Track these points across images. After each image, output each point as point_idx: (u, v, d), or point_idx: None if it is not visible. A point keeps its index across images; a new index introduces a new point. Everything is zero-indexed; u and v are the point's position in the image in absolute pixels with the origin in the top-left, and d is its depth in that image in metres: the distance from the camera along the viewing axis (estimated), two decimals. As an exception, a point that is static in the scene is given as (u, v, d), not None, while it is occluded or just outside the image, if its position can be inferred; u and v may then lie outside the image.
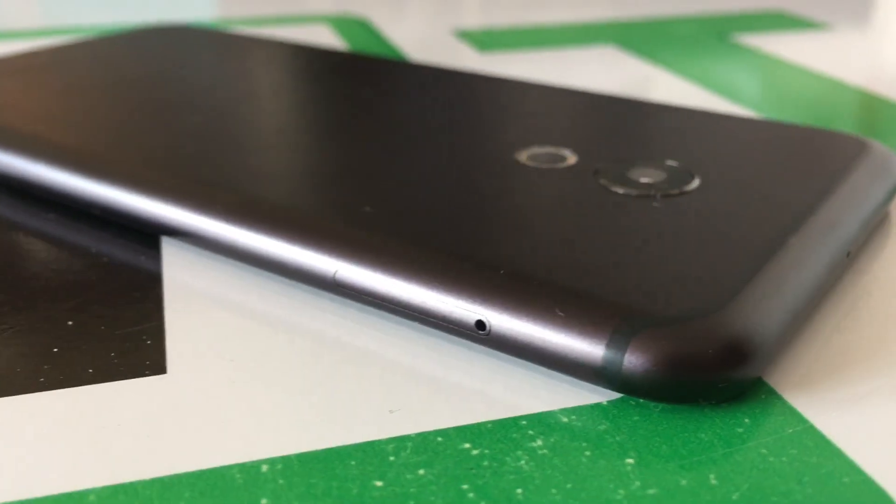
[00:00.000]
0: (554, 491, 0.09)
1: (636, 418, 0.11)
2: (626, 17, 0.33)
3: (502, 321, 0.11)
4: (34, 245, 0.15)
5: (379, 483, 0.10)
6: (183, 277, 0.14)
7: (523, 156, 0.16)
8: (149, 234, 0.15)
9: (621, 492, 0.09)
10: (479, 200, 0.14)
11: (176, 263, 0.14)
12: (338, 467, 0.10)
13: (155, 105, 0.19)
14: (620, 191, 0.14)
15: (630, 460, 0.10)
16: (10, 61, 0.22)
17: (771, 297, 0.11)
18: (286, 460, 0.10)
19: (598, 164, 0.15)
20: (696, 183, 0.15)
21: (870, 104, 0.23)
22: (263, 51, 0.23)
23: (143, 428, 0.11)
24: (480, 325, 0.12)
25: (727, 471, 0.10)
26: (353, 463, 0.10)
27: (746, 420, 0.11)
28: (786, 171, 0.15)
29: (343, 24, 0.33)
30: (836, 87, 0.24)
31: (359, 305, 0.13)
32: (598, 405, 0.11)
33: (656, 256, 0.12)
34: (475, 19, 0.34)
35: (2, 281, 0.14)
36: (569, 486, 0.10)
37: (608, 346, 0.11)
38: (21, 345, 0.12)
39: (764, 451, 0.10)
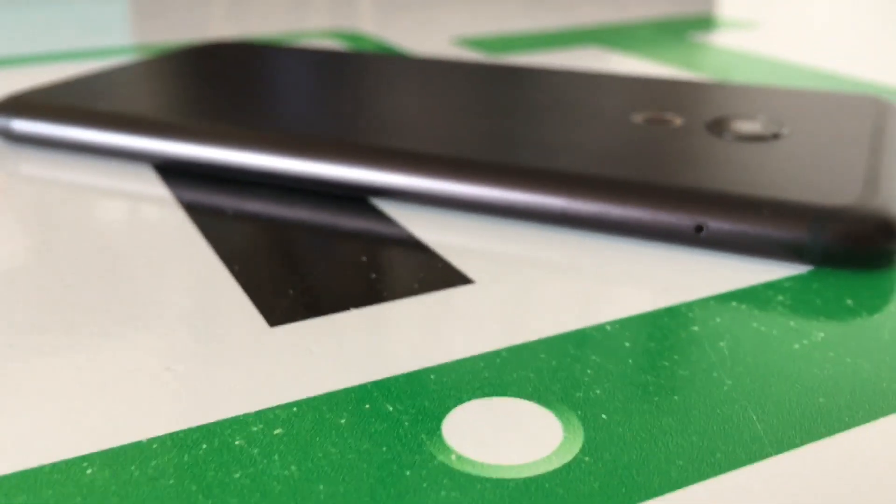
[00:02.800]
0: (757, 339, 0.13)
1: (815, 285, 0.15)
2: (598, 23, 0.38)
3: (718, 223, 0.15)
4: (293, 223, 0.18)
5: (695, 328, 0.13)
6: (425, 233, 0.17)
7: (639, 118, 0.20)
8: (357, 197, 0.18)
9: (820, 334, 0.14)
10: (653, 145, 0.18)
11: (407, 217, 0.17)
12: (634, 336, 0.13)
13: (307, 96, 0.22)
14: (737, 136, 0.19)
15: (816, 320, 0.14)
16: (110, 75, 0.24)
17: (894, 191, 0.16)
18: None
19: (704, 121, 0.20)
20: (787, 129, 0.19)
21: (790, 71, 0.29)
22: (355, 57, 0.26)
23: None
24: (699, 228, 0.15)
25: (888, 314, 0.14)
26: (668, 319, 0.14)
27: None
28: (840, 116, 0.20)
29: (348, 38, 0.36)
30: (764, 63, 0.30)
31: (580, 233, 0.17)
32: (785, 279, 0.15)
33: (801, 173, 0.16)
34: (469, 28, 0.38)
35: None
36: (774, 332, 0.14)
37: (809, 229, 0.15)
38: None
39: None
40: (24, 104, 0.21)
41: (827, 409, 0.11)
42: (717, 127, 0.19)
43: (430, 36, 0.36)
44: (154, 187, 0.19)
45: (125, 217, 0.18)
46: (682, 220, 0.16)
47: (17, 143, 0.22)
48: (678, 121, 0.20)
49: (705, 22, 0.39)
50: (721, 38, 0.35)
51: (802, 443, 0.11)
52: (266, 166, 0.18)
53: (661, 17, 0.40)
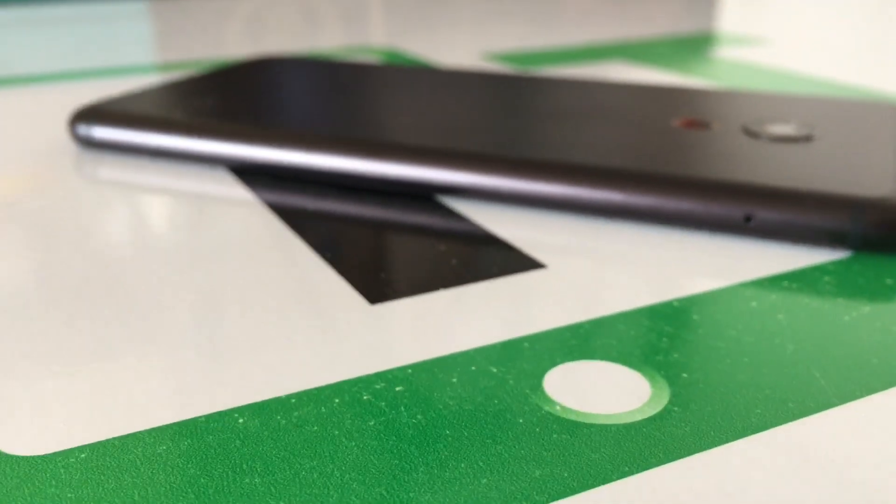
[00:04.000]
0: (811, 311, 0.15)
1: (856, 267, 0.16)
2: (618, 39, 0.40)
3: (766, 213, 0.17)
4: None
5: (754, 304, 0.15)
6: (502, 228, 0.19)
7: (678, 123, 0.22)
8: (425, 195, 0.20)
9: (853, 313, 0.15)
10: (697, 146, 0.20)
11: (479, 213, 0.19)
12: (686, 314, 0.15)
13: (366, 105, 0.23)
14: (772, 138, 0.20)
15: (861, 297, 0.16)
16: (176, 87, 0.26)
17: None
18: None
19: (740, 125, 0.21)
20: (818, 131, 0.21)
21: (801, 82, 0.30)
22: (402, 70, 0.28)
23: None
24: (748, 218, 0.17)
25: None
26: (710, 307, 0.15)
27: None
28: (864, 121, 0.21)
29: (385, 54, 0.38)
30: (778, 75, 0.31)
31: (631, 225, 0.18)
32: (828, 263, 0.17)
33: (837, 169, 0.18)
34: (492, 45, 0.40)
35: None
36: (824, 306, 0.15)
37: (851, 218, 0.16)
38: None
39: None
40: (104, 113, 0.23)
41: (881, 367, 0.13)
42: (752, 130, 0.21)
43: (459, 52, 0.38)
44: (235, 189, 0.21)
45: (215, 215, 0.19)
46: (732, 210, 0.17)
47: (96, 150, 0.23)
48: (715, 125, 0.21)
49: (716, 38, 0.40)
50: (735, 53, 0.37)
51: (862, 395, 0.12)
52: (340, 168, 0.20)
53: (674, 34, 0.42)
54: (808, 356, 0.13)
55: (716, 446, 0.11)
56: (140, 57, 0.38)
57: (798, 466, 0.11)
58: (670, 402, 0.12)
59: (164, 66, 0.35)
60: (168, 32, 0.44)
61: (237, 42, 0.41)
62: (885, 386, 0.12)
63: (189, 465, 0.11)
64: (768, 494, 0.10)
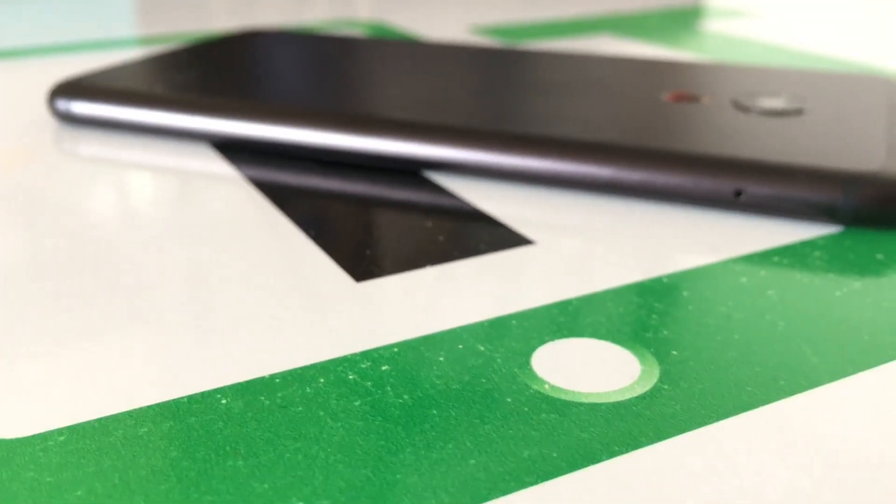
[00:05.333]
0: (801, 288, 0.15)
1: (847, 242, 0.16)
2: (605, 12, 0.40)
3: (756, 188, 0.17)
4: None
5: (744, 280, 0.15)
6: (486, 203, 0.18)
7: (668, 96, 0.21)
8: (411, 171, 0.19)
9: (844, 289, 0.15)
10: (687, 120, 0.19)
11: (467, 188, 0.19)
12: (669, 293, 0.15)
13: (352, 78, 0.23)
14: (763, 112, 0.20)
15: (852, 272, 0.15)
16: (164, 58, 0.25)
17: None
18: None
19: (730, 99, 0.21)
20: (808, 105, 0.21)
21: (789, 55, 0.30)
22: (390, 43, 0.27)
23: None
24: (738, 193, 0.17)
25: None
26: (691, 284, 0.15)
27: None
28: (854, 94, 0.21)
29: (372, 28, 0.37)
30: (765, 48, 0.31)
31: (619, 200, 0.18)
32: (819, 238, 0.16)
33: (828, 143, 0.18)
34: (479, 18, 0.39)
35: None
36: (814, 282, 0.15)
37: (843, 192, 0.16)
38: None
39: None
40: (83, 87, 0.22)
41: (871, 344, 0.13)
42: (743, 104, 0.21)
43: (446, 25, 0.37)
44: (218, 164, 0.20)
45: (198, 192, 0.19)
46: (722, 185, 0.17)
47: (76, 125, 0.23)
48: (705, 99, 0.21)
49: (704, 11, 0.40)
50: (724, 26, 0.37)
51: (853, 372, 0.12)
52: (326, 143, 0.20)
53: (662, 7, 0.41)
54: (798, 333, 0.13)
55: (706, 424, 0.11)
56: (123, 30, 0.37)
57: (789, 444, 0.11)
58: (660, 379, 0.12)
59: (148, 40, 0.35)
60: (152, 5, 0.43)
61: (222, 16, 0.40)
62: (876, 362, 0.12)
63: (171, 448, 0.11)
64: (759, 473, 0.10)
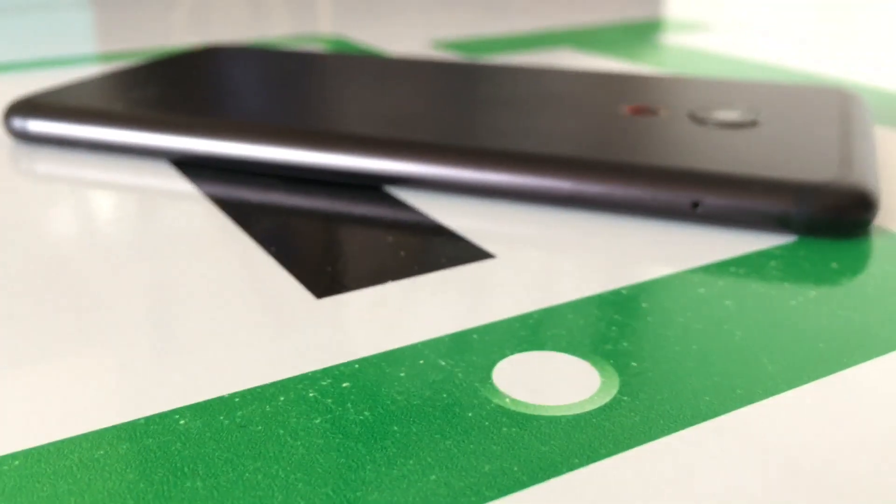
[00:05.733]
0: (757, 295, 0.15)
1: (802, 252, 0.17)
2: (570, 25, 0.40)
3: (713, 199, 0.17)
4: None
5: (702, 290, 0.15)
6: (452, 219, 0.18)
7: (626, 110, 0.21)
8: (373, 186, 0.19)
9: (802, 298, 0.15)
10: (644, 133, 0.20)
11: (430, 204, 0.19)
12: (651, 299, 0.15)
13: (312, 94, 0.23)
14: (718, 124, 0.20)
15: (807, 281, 0.16)
16: (120, 76, 0.25)
17: (866, 167, 0.18)
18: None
19: (686, 111, 0.21)
20: (763, 116, 0.21)
21: (745, 66, 0.31)
22: (350, 58, 0.27)
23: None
24: (695, 204, 0.17)
25: (877, 276, 0.16)
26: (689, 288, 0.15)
27: (874, 242, 0.17)
28: (808, 105, 0.22)
29: (333, 43, 0.37)
30: (723, 60, 0.32)
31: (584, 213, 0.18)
32: (775, 248, 0.17)
33: (782, 154, 0.18)
34: (445, 32, 0.39)
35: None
36: (770, 291, 0.15)
37: (796, 203, 0.16)
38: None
39: (888, 264, 0.16)
40: (40, 105, 0.22)
41: (827, 352, 0.13)
42: (699, 116, 0.21)
43: (408, 40, 0.38)
44: (177, 182, 0.20)
45: (157, 210, 0.19)
46: (679, 197, 0.17)
47: (32, 144, 0.23)
48: (662, 112, 0.21)
49: (663, 25, 0.41)
50: (682, 39, 0.37)
51: (809, 380, 0.12)
52: (287, 159, 0.19)
53: (621, 21, 0.42)
54: (755, 342, 0.13)
55: (665, 435, 0.11)
56: (80, 47, 0.37)
57: (746, 453, 0.11)
58: (619, 391, 0.12)
59: (107, 57, 0.35)
60: (110, 22, 0.43)
61: (182, 32, 0.40)
62: (831, 370, 0.13)
63: (128, 470, 0.11)
64: (717, 482, 0.10)
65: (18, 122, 0.22)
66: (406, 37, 0.38)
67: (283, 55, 0.28)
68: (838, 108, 0.22)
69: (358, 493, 0.10)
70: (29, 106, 0.22)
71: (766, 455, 0.11)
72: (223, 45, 0.29)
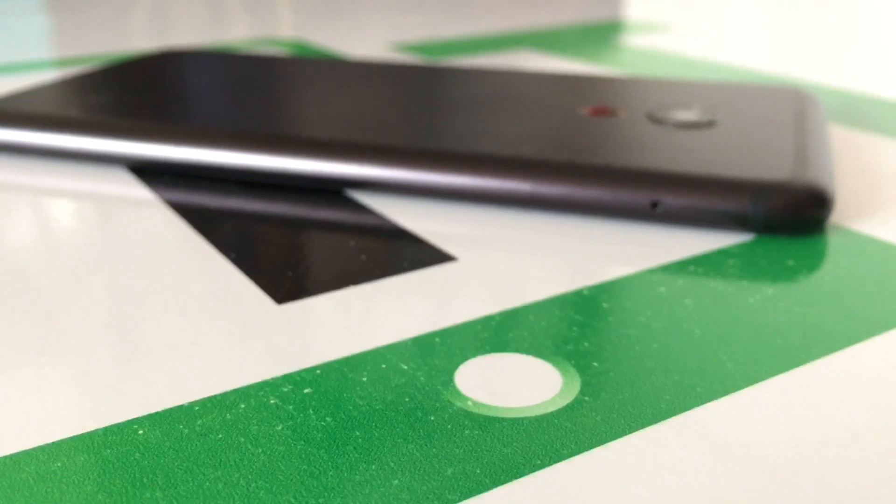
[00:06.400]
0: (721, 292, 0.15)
1: (759, 250, 0.17)
2: (530, 27, 0.40)
3: (671, 199, 0.17)
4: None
5: (662, 289, 0.15)
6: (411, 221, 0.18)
7: (585, 111, 0.22)
8: (333, 190, 0.19)
9: (760, 294, 0.15)
10: (603, 134, 0.20)
11: (392, 208, 0.19)
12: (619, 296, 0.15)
13: (270, 98, 0.23)
14: (676, 124, 0.20)
15: (764, 279, 0.16)
16: (77, 81, 0.25)
17: (821, 166, 0.18)
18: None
19: (645, 112, 0.21)
20: (720, 117, 0.21)
21: (704, 67, 0.31)
22: (308, 61, 0.27)
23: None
24: (654, 204, 0.17)
25: (834, 271, 0.16)
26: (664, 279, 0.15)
27: (829, 239, 0.17)
28: (764, 105, 0.22)
29: (292, 46, 0.37)
30: (681, 61, 0.32)
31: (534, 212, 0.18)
32: (733, 246, 0.17)
33: (739, 154, 0.18)
34: (405, 35, 0.39)
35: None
36: (729, 289, 0.15)
37: (751, 202, 0.17)
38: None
39: (844, 261, 0.17)
40: (-7, 112, 0.22)
41: (784, 348, 0.13)
42: (657, 117, 0.21)
43: (367, 43, 0.37)
44: (135, 188, 0.20)
45: (115, 215, 0.19)
46: (639, 197, 0.17)
47: (-14, 151, 0.22)
48: (621, 112, 0.22)
49: (622, 26, 0.41)
50: (640, 40, 0.37)
51: (767, 376, 0.13)
52: (246, 164, 0.19)
53: (581, 22, 0.42)
54: (714, 340, 0.13)
55: (626, 434, 0.11)
56: (36, 53, 0.36)
57: (707, 450, 0.11)
58: (581, 391, 0.12)
59: (63, 62, 0.34)
60: (66, 27, 0.42)
61: (140, 36, 0.39)
62: (789, 366, 0.13)
63: (86, 482, 0.10)
64: (679, 480, 0.10)
65: (-29, 130, 0.22)
66: (366, 39, 0.38)
67: (242, 59, 0.28)
68: (794, 107, 0.22)
69: (320, 500, 0.10)
70: (-19, 113, 0.22)
71: (727, 452, 0.11)
72: (181, 50, 0.29)
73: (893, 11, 0.44)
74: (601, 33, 0.39)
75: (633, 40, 0.38)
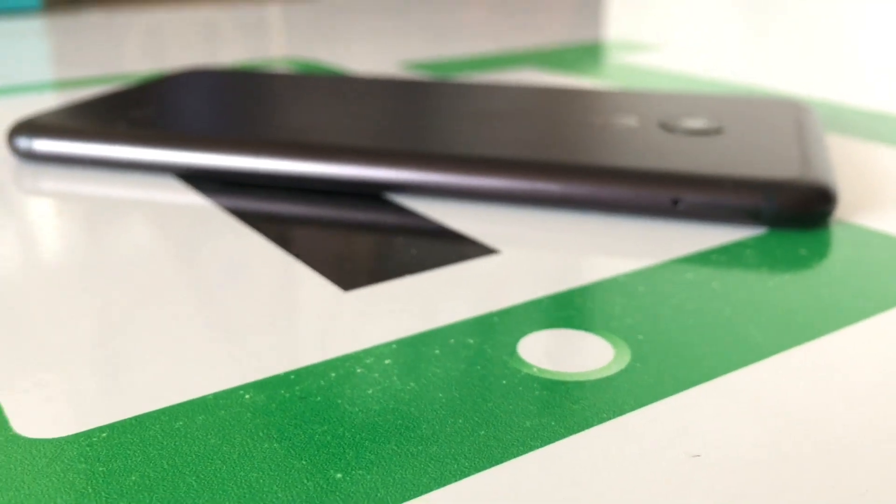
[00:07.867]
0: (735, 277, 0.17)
1: (773, 241, 0.18)
2: (522, 48, 0.42)
3: (691, 197, 0.19)
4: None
5: (689, 275, 0.17)
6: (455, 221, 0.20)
7: (599, 121, 0.23)
8: (372, 194, 0.21)
9: (774, 280, 0.17)
10: (621, 141, 0.21)
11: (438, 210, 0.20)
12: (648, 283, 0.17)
13: (302, 110, 0.24)
14: (687, 131, 0.22)
15: (781, 265, 0.18)
16: (121, 95, 0.26)
17: (824, 166, 0.20)
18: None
19: (657, 121, 0.23)
20: (726, 124, 0.23)
21: (695, 82, 0.33)
22: (331, 78, 0.29)
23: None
24: (675, 201, 0.19)
25: (841, 264, 0.18)
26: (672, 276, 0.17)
27: (834, 232, 0.19)
28: (766, 114, 0.24)
29: (304, 65, 0.38)
30: (675, 77, 0.34)
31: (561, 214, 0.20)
32: (748, 238, 0.19)
33: (748, 156, 0.20)
34: (411, 54, 0.41)
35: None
36: (743, 275, 0.17)
37: (764, 198, 0.18)
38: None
39: (849, 250, 0.18)
40: (44, 125, 0.23)
41: (805, 323, 0.15)
42: (669, 125, 0.23)
43: (374, 62, 0.39)
44: (187, 195, 0.21)
45: (176, 219, 0.20)
46: (661, 196, 0.19)
47: (35, 162, 0.23)
48: (635, 122, 0.23)
49: (612, 45, 0.43)
50: (631, 58, 0.39)
51: (792, 346, 0.14)
52: (293, 171, 0.21)
53: (570, 42, 0.44)
54: (743, 316, 0.15)
55: (676, 393, 0.13)
56: (37, 74, 0.37)
57: (745, 406, 0.12)
58: (632, 359, 0.14)
59: (63, 84, 0.35)
60: (65, 49, 0.44)
61: (137, 58, 0.41)
62: (810, 337, 0.14)
63: (209, 436, 0.12)
64: (722, 428, 0.12)
65: (24, 142, 0.23)
66: (372, 59, 0.40)
67: (265, 76, 0.29)
68: (793, 116, 0.24)
69: (419, 447, 0.11)
70: (34, 125, 0.23)
71: (761, 405, 0.12)
72: (204, 68, 0.31)
73: (866, 26, 0.47)
74: (593, 52, 0.41)
75: (627, 58, 0.40)
